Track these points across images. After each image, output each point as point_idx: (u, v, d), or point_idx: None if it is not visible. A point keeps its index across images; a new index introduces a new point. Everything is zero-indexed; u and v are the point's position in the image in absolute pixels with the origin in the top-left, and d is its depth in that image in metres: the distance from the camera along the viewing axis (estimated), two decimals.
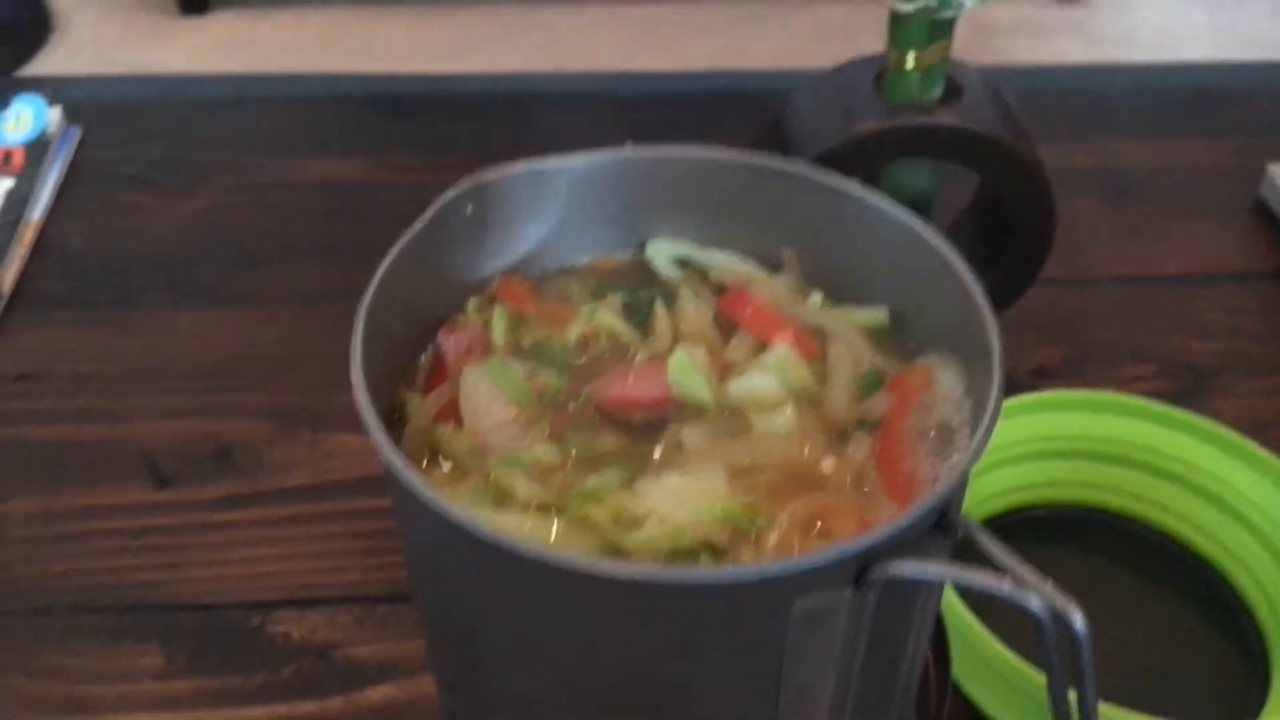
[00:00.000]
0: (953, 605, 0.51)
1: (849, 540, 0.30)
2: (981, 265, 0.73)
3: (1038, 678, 0.50)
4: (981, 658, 0.53)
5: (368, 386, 0.34)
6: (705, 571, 0.33)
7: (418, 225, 0.39)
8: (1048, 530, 0.65)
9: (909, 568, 0.31)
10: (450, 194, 0.41)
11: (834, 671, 0.34)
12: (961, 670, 0.57)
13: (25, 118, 0.93)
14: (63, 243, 0.88)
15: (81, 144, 0.95)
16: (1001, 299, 0.74)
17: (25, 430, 0.75)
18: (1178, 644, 0.62)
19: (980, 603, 0.53)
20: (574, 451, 0.38)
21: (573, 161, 0.42)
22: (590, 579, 0.30)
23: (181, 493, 0.72)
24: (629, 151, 0.42)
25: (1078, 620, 0.30)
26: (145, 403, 0.77)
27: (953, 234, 0.78)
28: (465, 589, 0.34)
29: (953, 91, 0.69)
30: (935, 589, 0.36)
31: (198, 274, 0.86)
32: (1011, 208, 0.72)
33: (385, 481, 0.36)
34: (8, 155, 0.91)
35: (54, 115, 0.95)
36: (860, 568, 0.31)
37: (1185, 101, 1.05)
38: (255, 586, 0.67)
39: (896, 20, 0.67)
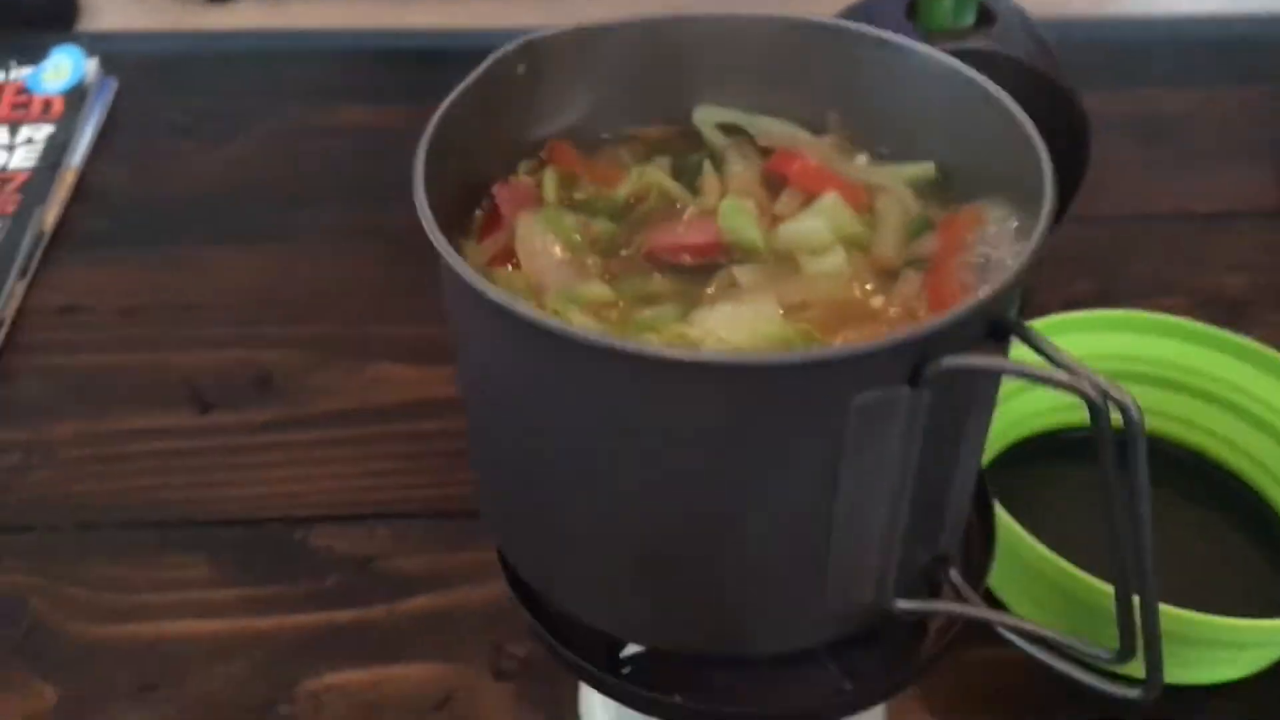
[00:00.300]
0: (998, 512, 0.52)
1: (904, 328, 0.31)
2: None
3: (1083, 579, 0.51)
4: (1024, 562, 0.53)
5: (428, 191, 0.35)
6: (767, 356, 0.33)
7: (470, 78, 0.40)
8: (1078, 451, 0.65)
9: (962, 360, 0.31)
10: (502, 51, 0.41)
11: (889, 479, 0.34)
12: (999, 579, 0.57)
13: (64, 68, 0.94)
14: (103, 186, 0.89)
15: (119, 95, 0.97)
16: None
17: (72, 359, 0.76)
18: (1210, 552, 0.62)
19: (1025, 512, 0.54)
20: (628, 291, 0.39)
21: (622, 22, 0.43)
22: (649, 363, 0.30)
23: (224, 417, 0.73)
24: (672, 15, 0.43)
25: (1130, 403, 0.30)
26: (187, 334, 0.79)
27: None
28: (519, 392, 0.35)
29: (985, 19, 0.70)
30: (987, 402, 0.36)
31: (235, 215, 0.88)
32: (1045, 133, 0.72)
33: (445, 291, 0.37)
34: (47, 104, 0.93)
35: (91, 66, 0.96)
36: (916, 363, 0.32)
37: (1217, 51, 1.05)
38: (296, 504, 0.68)
39: None
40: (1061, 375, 0.31)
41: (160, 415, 0.73)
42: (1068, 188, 0.74)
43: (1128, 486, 0.32)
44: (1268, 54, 1.04)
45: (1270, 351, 0.64)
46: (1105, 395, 0.31)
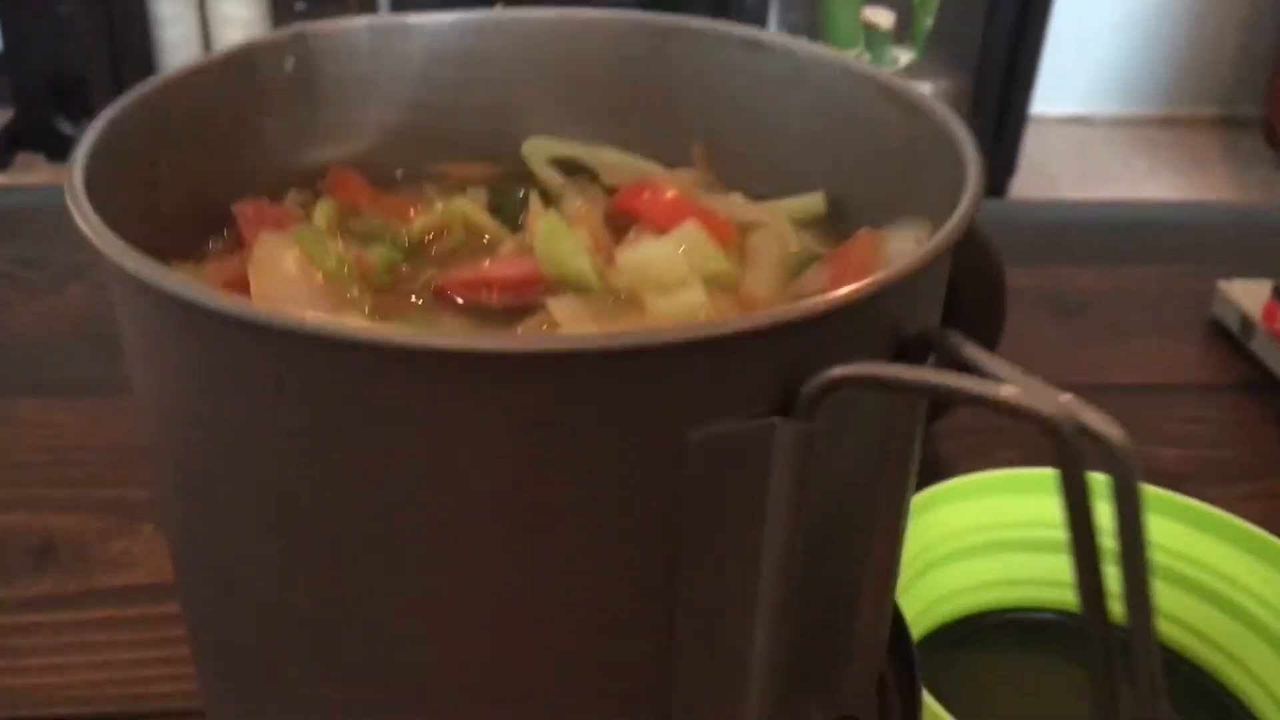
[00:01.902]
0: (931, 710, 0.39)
1: (764, 313, 0.20)
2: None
3: None
4: None
5: (85, 185, 0.24)
6: (539, 339, 0.22)
7: (210, 58, 0.30)
8: (1007, 636, 0.54)
9: (859, 370, 0.20)
10: (261, 39, 0.32)
11: (755, 569, 0.22)
12: None
13: None
14: None
15: None
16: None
17: None
18: None
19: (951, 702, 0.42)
20: None
21: (428, 20, 0.34)
22: (370, 351, 0.19)
23: None
24: (500, 12, 0.34)
25: (1116, 436, 0.19)
26: None
27: None
28: (193, 402, 0.23)
29: None
30: (904, 457, 0.24)
31: (49, 366, 0.76)
32: (962, 292, 0.66)
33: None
34: None
35: None
36: (789, 377, 0.20)
37: (1131, 232, 1.02)
38: (58, 698, 0.54)
39: None
40: (1006, 393, 0.20)
41: None
42: (987, 342, 0.66)
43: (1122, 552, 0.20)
44: (1181, 234, 1.00)
45: (1235, 520, 0.53)
46: (1077, 425, 0.20)
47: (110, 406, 0.73)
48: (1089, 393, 0.74)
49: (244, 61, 0.31)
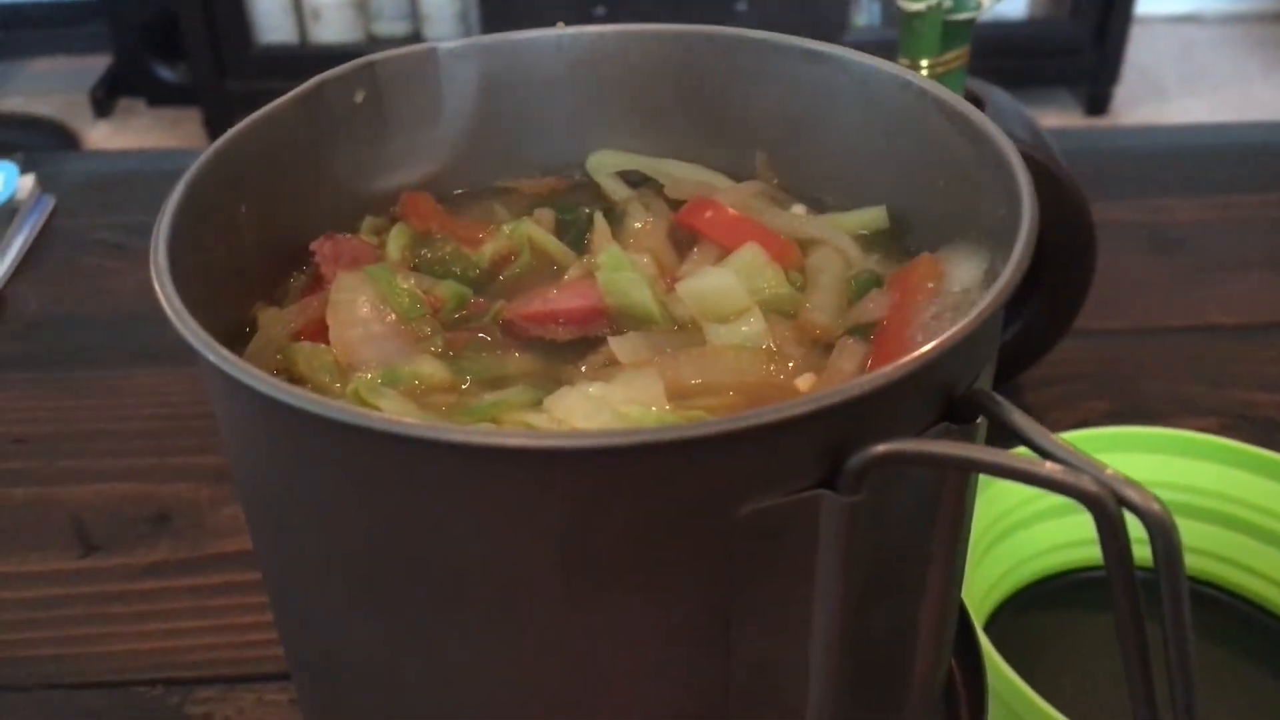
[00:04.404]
0: (994, 663, 0.40)
1: (810, 398, 0.20)
2: (1019, 303, 0.64)
3: None
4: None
5: (170, 258, 0.25)
6: (577, 437, 0.23)
7: (282, 101, 0.31)
8: (1084, 595, 0.53)
9: (901, 446, 0.21)
10: (331, 73, 0.32)
11: (807, 624, 0.23)
12: None
13: None
14: (20, 306, 0.82)
15: (55, 212, 0.90)
16: (1043, 339, 0.64)
17: None
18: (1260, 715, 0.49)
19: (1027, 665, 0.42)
20: (474, 370, 0.29)
21: (490, 42, 0.34)
22: (423, 448, 0.20)
23: (108, 559, 0.63)
24: (561, 30, 0.34)
25: (1157, 510, 0.20)
26: (82, 465, 0.69)
27: None
28: (278, 493, 0.24)
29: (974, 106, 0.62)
30: (956, 513, 0.25)
31: (157, 335, 0.79)
32: (1046, 233, 0.64)
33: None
34: None
35: (25, 183, 0.90)
36: (834, 453, 0.21)
37: (1231, 159, 0.97)
38: (177, 662, 0.58)
39: (907, 22, 0.60)
40: (1050, 470, 0.20)
41: (36, 559, 0.63)
42: (1075, 291, 0.65)
43: (1162, 626, 0.21)
44: None
45: None
46: (1119, 499, 0.20)
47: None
48: (1186, 335, 0.72)
49: (315, 97, 0.32)
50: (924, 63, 0.60)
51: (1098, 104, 2.26)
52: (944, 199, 0.30)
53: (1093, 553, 0.55)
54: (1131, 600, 0.20)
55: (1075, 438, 0.53)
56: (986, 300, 0.22)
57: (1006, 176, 0.27)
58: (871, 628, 0.25)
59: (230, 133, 0.29)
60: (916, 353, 0.21)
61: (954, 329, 0.22)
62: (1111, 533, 0.20)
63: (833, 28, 2.03)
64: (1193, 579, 0.55)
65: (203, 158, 0.28)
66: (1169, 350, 0.77)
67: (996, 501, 0.51)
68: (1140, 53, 2.33)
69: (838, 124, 0.33)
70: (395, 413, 0.26)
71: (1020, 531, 0.52)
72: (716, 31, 0.34)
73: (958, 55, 0.60)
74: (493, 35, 0.34)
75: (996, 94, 0.64)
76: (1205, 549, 0.54)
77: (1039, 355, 0.66)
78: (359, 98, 0.33)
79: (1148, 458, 0.54)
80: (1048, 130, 0.66)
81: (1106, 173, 0.91)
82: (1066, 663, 0.49)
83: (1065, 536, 0.55)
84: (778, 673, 0.24)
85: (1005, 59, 2.16)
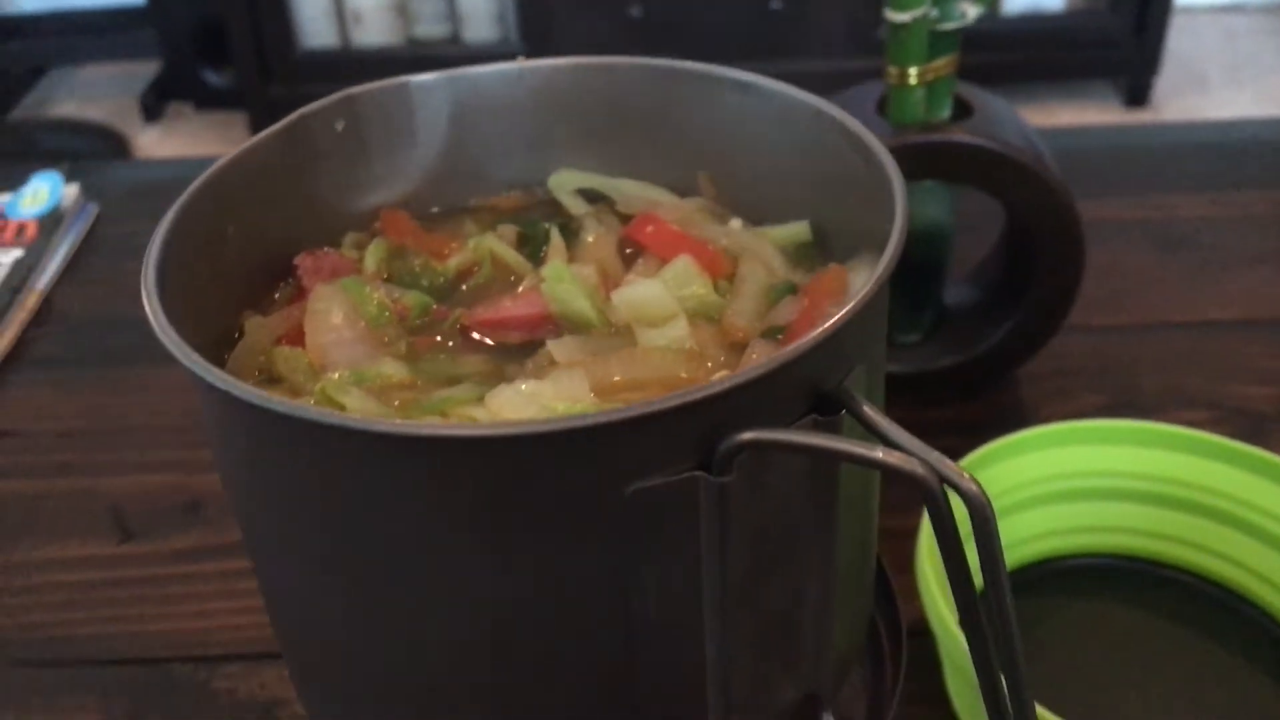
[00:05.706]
0: (944, 621, 0.43)
1: (681, 392, 0.24)
2: (1013, 300, 0.67)
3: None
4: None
5: (159, 277, 0.29)
6: (486, 426, 0.27)
7: (268, 133, 0.35)
8: (1085, 581, 0.56)
9: (763, 435, 0.24)
10: (311, 107, 0.37)
11: (698, 587, 0.27)
12: (956, 689, 0.48)
13: (41, 193, 0.93)
14: (65, 308, 0.87)
15: (99, 220, 0.95)
16: (1034, 336, 0.67)
17: None
18: (1238, 707, 0.52)
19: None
20: (430, 371, 0.33)
21: (459, 74, 0.38)
22: (366, 438, 0.24)
23: (143, 545, 0.68)
24: (522, 63, 0.38)
25: (974, 491, 0.23)
26: (119, 458, 0.74)
27: (981, 271, 0.72)
28: (251, 476, 0.28)
29: (962, 111, 0.64)
30: (828, 496, 0.28)
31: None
32: (1035, 232, 0.66)
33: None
34: (21, 228, 0.91)
35: (70, 191, 0.95)
36: (706, 440, 0.25)
37: (1236, 155, 0.98)
38: (205, 640, 0.62)
39: (894, 32, 0.63)
40: (883, 456, 0.24)
41: (76, 544, 0.68)
42: (1064, 291, 0.67)
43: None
44: None
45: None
46: (942, 480, 0.23)
47: None
48: (1187, 330, 0.74)
49: (299, 128, 0.36)
50: (912, 71, 0.63)
51: (1138, 96, 2.25)
52: (853, 214, 0.34)
53: (1075, 541, 0.58)
54: (958, 565, 0.24)
55: (1061, 430, 0.56)
56: (843, 311, 0.26)
57: (889, 193, 0.30)
58: (769, 595, 0.28)
59: (220, 162, 0.34)
60: (778, 353, 0.25)
61: (813, 334, 0.25)
62: (936, 509, 0.23)
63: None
64: (1175, 568, 0.58)
65: (193, 186, 0.32)
66: (1167, 345, 0.79)
67: (993, 484, 0.54)
68: (1182, 43, 2.31)
69: (765, 146, 0.37)
70: (358, 409, 0.31)
71: (1003, 520, 0.55)
72: (659, 64, 0.37)
73: (946, 63, 0.63)
74: (459, 69, 0.38)
75: (988, 99, 0.66)
76: (1187, 539, 0.56)
77: (1031, 352, 0.68)
78: (339, 127, 0.37)
79: (1134, 450, 0.57)
80: (1067, 128, 0.67)
81: (1110, 170, 0.92)
82: (1047, 649, 0.52)
83: (1047, 525, 0.57)
84: (679, 634, 0.27)
85: (1043, 51, 2.15)
